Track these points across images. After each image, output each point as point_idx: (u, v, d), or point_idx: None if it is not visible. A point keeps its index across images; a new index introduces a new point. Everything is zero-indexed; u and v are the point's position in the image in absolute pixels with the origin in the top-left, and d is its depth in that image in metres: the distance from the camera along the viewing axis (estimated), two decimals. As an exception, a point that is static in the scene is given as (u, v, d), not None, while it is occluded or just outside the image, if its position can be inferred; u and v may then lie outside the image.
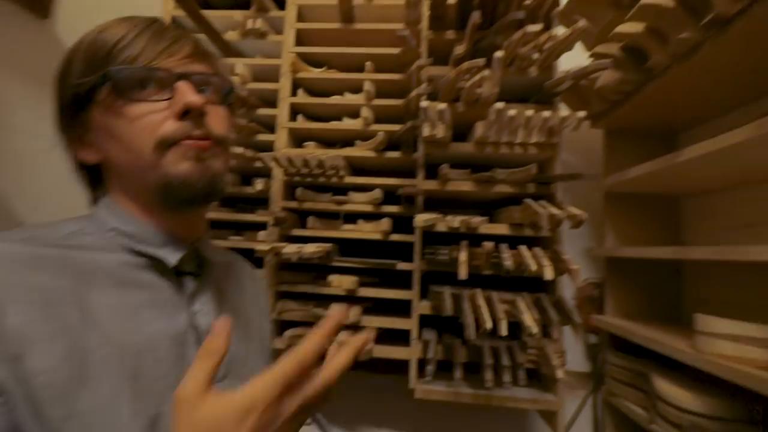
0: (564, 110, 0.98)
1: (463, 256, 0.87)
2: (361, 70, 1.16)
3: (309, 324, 1.08)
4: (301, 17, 1.19)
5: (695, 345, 0.77)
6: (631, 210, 1.20)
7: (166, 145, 0.41)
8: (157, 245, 0.44)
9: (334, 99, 1.14)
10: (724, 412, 0.76)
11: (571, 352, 1.32)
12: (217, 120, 0.45)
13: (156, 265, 0.43)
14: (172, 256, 0.44)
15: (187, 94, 0.40)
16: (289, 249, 0.91)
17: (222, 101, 0.46)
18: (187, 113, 0.41)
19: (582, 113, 0.86)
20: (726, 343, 0.69)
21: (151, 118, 0.41)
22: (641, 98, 1.00)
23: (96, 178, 0.47)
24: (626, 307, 1.19)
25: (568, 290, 1.28)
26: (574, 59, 1.15)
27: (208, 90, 0.45)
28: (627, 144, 1.19)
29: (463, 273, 0.85)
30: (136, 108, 0.41)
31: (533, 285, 0.99)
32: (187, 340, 0.42)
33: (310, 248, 0.93)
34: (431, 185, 1.04)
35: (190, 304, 0.45)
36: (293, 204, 1.11)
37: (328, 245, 1.02)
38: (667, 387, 0.85)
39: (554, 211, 0.83)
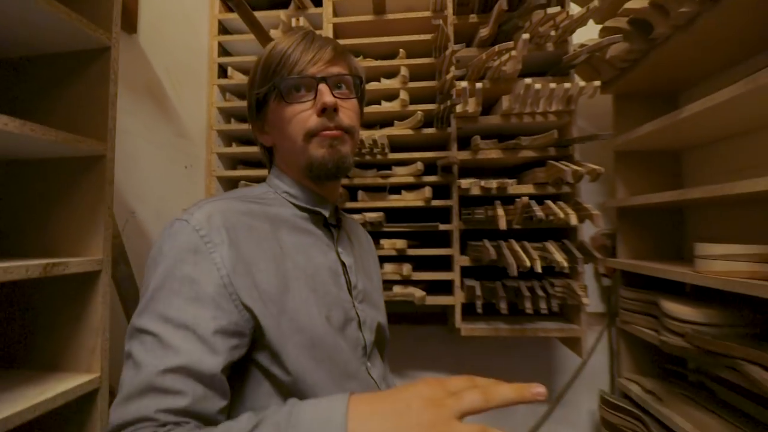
0: (578, 80, 1.12)
1: (500, 211, 1.04)
2: (392, 56, 1.30)
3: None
4: (336, 12, 1.32)
5: (694, 268, 0.96)
6: (638, 165, 1.36)
7: (310, 135, 0.57)
8: (313, 203, 0.61)
9: (373, 85, 1.28)
10: (719, 319, 0.95)
11: (588, 297, 1.52)
12: (348, 112, 0.59)
13: (313, 217, 0.61)
14: (325, 210, 0.61)
15: (324, 95, 0.55)
16: (354, 217, 1.08)
17: (353, 94, 0.61)
18: (324, 110, 0.56)
19: (598, 83, 1.01)
20: (718, 262, 0.87)
21: (302, 115, 0.57)
22: (646, 64, 1.14)
23: (271, 154, 0.65)
24: (636, 251, 1.37)
25: (585, 239, 1.47)
26: (585, 32, 1.29)
27: (342, 86, 0.59)
28: (634, 106, 1.35)
29: (502, 224, 1.03)
30: (292, 108, 0.57)
31: (556, 237, 1.16)
32: (338, 269, 0.60)
33: (371, 215, 1.11)
34: (465, 155, 1.20)
35: (336, 246, 0.62)
36: (345, 181, 1.27)
37: (381, 213, 1.19)
38: (671, 305, 1.04)
39: (576, 167, 1.00)
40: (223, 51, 1.41)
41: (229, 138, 1.42)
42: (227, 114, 1.41)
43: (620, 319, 1.36)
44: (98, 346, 0.60)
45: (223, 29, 1.42)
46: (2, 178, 0.67)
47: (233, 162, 1.45)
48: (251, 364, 0.49)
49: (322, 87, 0.56)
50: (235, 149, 1.36)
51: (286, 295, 0.51)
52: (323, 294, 0.55)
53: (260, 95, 0.58)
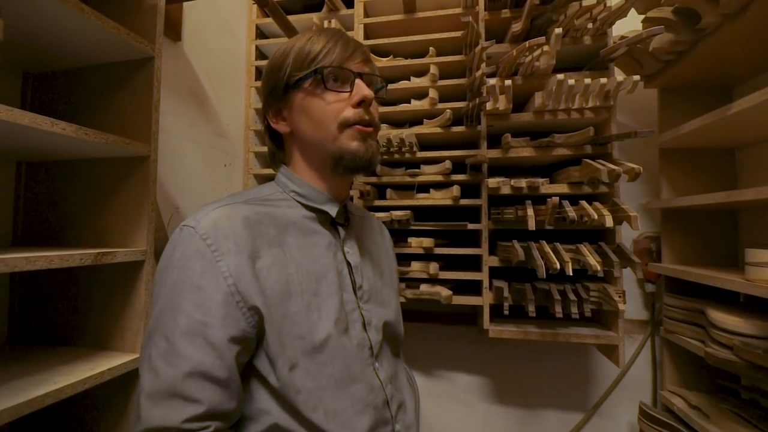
0: (618, 74, 1.07)
1: (530, 211, 1.02)
2: (422, 55, 1.30)
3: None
4: (367, 13, 1.34)
5: (744, 275, 0.88)
6: (686, 164, 1.27)
7: (344, 125, 0.58)
8: (321, 202, 0.62)
9: (402, 84, 1.29)
10: (774, 331, 0.87)
11: (630, 303, 1.45)
12: (375, 110, 0.62)
13: (321, 217, 0.62)
14: (332, 210, 0.62)
15: (363, 88, 0.58)
16: (381, 215, 1.09)
17: (378, 95, 0.63)
18: (360, 103, 0.58)
19: (637, 77, 0.95)
20: (772, 269, 0.80)
21: (338, 105, 0.58)
22: (694, 57, 1.07)
23: (278, 144, 0.67)
24: (682, 255, 1.29)
25: (626, 243, 1.39)
26: (628, 23, 1.22)
27: (372, 86, 0.62)
28: (681, 101, 1.26)
29: (531, 225, 1.00)
30: (330, 95, 0.58)
31: (592, 239, 1.11)
32: (343, 270, 0.61)
33: (398, 213, 1.12)
34: (495, 153, 1.18)
35: (343, 245, 0.63)
36: (374, 179, 1.29)
37: (408, 211, 1.20)
38: (720, 316, 0.97)
39: (612, 166, 0.95)
40: (260, 54, 1.47)
41: (264, 138, 1.48)
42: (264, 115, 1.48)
43: (664, 328, 1.28)
44: (142, 328, 0.66)
45: (260, 33, 1.48)
46: (61, 176, 0.75)
47: (269, 160, 1.51)
48: (251, 369, 0.52)
49: (359, 82, 0.59)
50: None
51: (288, 299, 0.53)
52: (327, 296, 0.56)
53: (291, 80, 0.59)
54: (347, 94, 0.58)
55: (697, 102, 1.24)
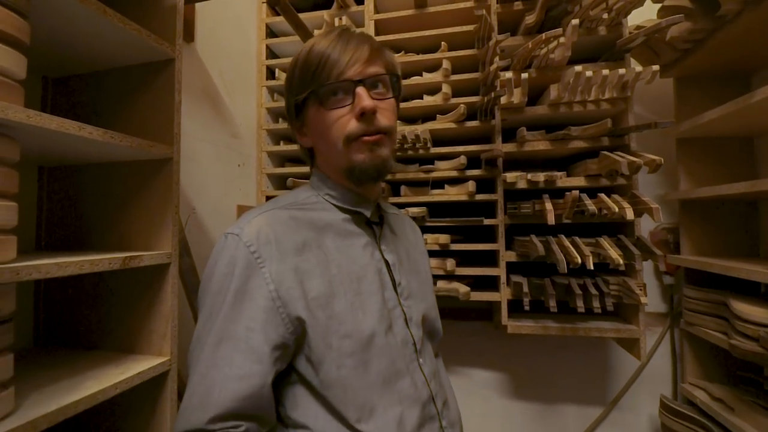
0: (634, 65, 1.05)
1: (549, 205, 1.00)
2: (434, 50, 1.29)
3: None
4: (377, 9, 1.33)
5: (773, 266, 0.87)
6: (704, 154, 1.25)
7: (350, 139, 0.57)
8: (355, 204, 0.62)
9: (414, 79, 1.28)
10: (803, 322, 0.86)
11: (648, 295, 1.43)
12: (386, 112, 0.59)
13: (356, 217, 0.62)
14: (366, 211, 0.62)
15: (363, 99, 0.55)
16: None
17: (390, 93, 0.60)
18: (363, 114, 0.56)
19: (656, 67, 0.94)
20: (803, 259, 0.79)
21: (341, 121, 0.56)
22: (713, 45, 1.05)
23: (311, 153, 0.66)
24: (701, 247, 1.27)
25: (644, 234, 1.38)
26: (642, 13, 1.20)
27: (380, 86, 0.59)
28: (698, 90, 1.24)
29: (550, 219, 0.99)
30: (331, 114, 0.57)
31: (610, 232, 1.10)
32: (382, 268, 0.61)
33: (413, 210, 1.11)
34: (510, 147, 1.17)
35: (380, 244, 0.63)
36: (387, 176, 1.28)
37: (423, 208, 1.19)
38: (744, 307, 0.95)
39: (633, 158, 0.94)
40: (271, 53, 1.47)
41: (277, 137, 1.47)
42: (275, 114, 1.47)
43: (685, 321, 1.27)
44: (168, 331, 0.66)
45: (271, 32, 1.48)
46: (83, 180, 0.75)
47: (281, 159, 1.51)
48: (293, 371, 0.52)
49: (360, 90, 0.55)
50: (283, 147, 1.42)
51: (333, 299, 0.53)
52: (369, 295, 0.56)
53: (299, 100, 0.59)
54: (349, 107, 0.56)
55: (714, 91, 1.22)
